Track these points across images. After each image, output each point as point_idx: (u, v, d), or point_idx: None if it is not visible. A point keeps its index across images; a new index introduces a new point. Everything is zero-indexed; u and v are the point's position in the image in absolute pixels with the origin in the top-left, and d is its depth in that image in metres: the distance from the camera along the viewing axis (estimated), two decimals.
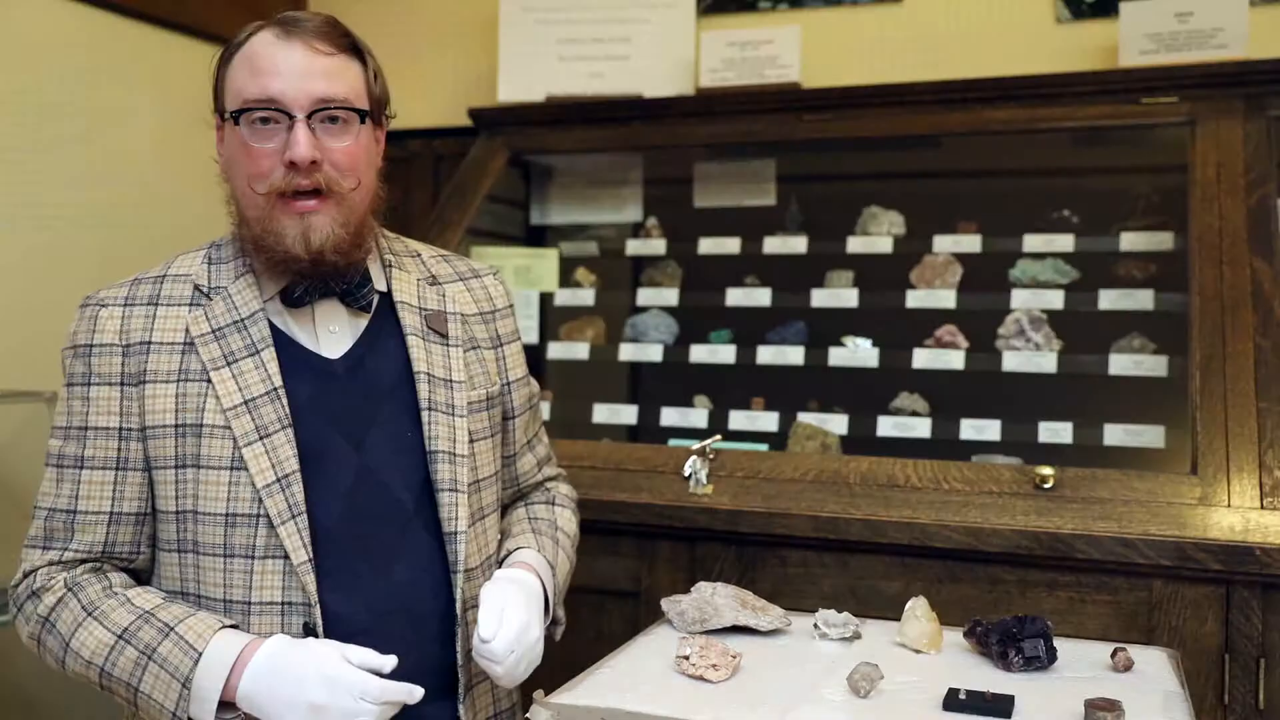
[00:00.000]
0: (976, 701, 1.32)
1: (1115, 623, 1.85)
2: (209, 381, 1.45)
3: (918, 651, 1.55)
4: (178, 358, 1.46)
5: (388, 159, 1.60)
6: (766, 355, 2.60)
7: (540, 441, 1.79)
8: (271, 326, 1.49)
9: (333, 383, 1.50)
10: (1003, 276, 2.53)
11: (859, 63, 2.84)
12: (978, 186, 2.93)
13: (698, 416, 2.62)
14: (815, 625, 1.62)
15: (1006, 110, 2.50)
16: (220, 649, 1.36)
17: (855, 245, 2.63)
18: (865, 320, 2.61)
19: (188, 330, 1.47)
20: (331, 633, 1.42)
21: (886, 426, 2.45)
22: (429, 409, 1.53)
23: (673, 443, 2.46)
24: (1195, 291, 2.10)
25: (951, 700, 1.33)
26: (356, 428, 1.50)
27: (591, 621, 2.16)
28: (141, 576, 1.51)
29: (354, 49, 1.50)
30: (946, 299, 2.51)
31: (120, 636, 1.39)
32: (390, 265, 1.60)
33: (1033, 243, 2.49)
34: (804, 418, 2.50)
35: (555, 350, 2.83)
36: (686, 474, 2.13)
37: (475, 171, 2.84)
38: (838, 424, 2.48)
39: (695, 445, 2.15)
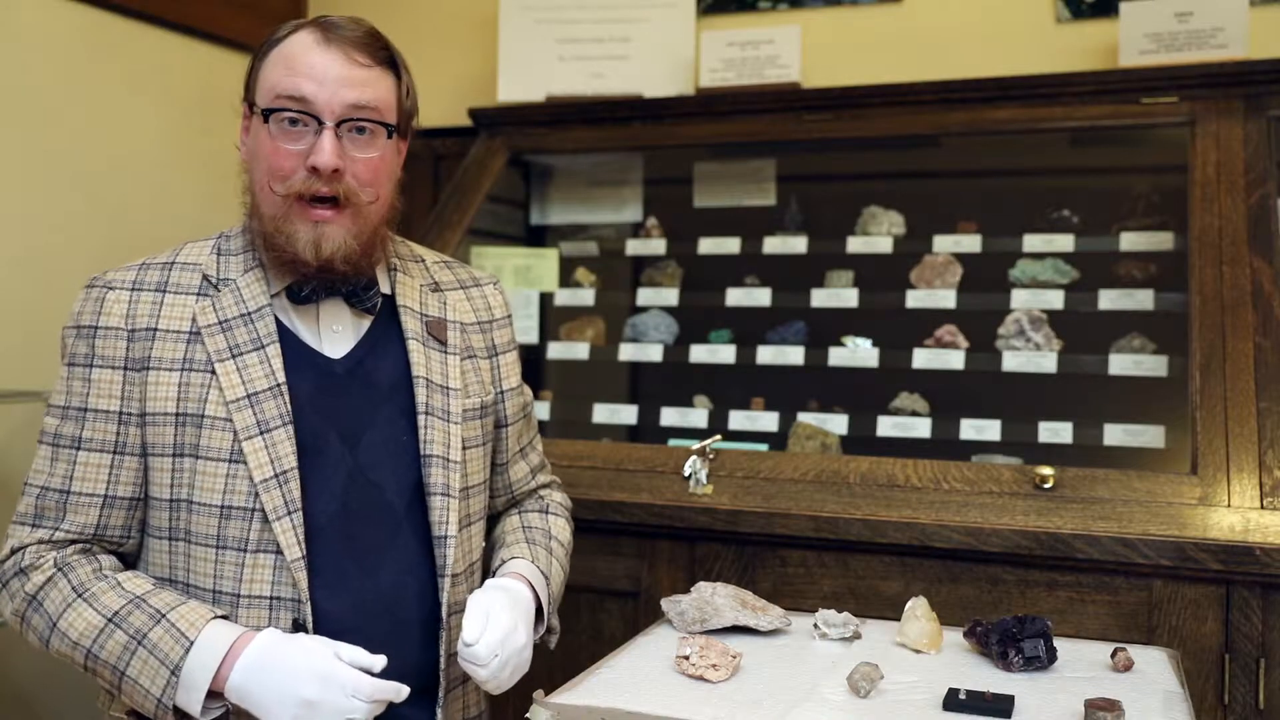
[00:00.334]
0: (976, 701, 1.32)
1: (1115, 623, 1.85)
2: (213, 373, 1.45)
3: (918, 651, 1.55)
4: (183, 346, 1.46)
5: None
6: (766, 355, 2.60)
7: (534, 450, 1.80)
8: (276, 322, 1.50)
9: (333, 382, 1.51)
10: (1003, 276, 2.53)
11: (859, 63, 2.84)
12: (978, 186, 2.93)
13: (698, 416, 2.62)
14: (815, 625, 1.62)
15: (1006, 110, 2.50)
16: (212, 639, 1.36)
17: (855, 245, 2.63)
18: (865, 320, 2.61)
19: (194, 320, 1.47)
20: (319, 630, 1.43)
21: (886, 426, 2.45)
22: (426, 413, 1.54)
23: (673, 443, 2.46)
24: (1195, 291, 2.10)
25: (951, 700, 1.33)
26: (353, 428, 1.51)
27: (591, 621, 2.17)
28: (128, 561, 1.51)
29: (390, 62, 1.51)
30: (946, 299, 2.52)
31: (110, 620, 1.39)
32: (395, 269, 1.61)
33: (1033, 243, 2.49)
34: (804, 418, 2.50)
35: (555, 350, 2.83)
36: (686, 474, 2.13)
37: (475, 171, 2.84)
38: (838, 424, 2.48)
39: (695, 445, 2.15)
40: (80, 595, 1.41)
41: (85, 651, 1.39)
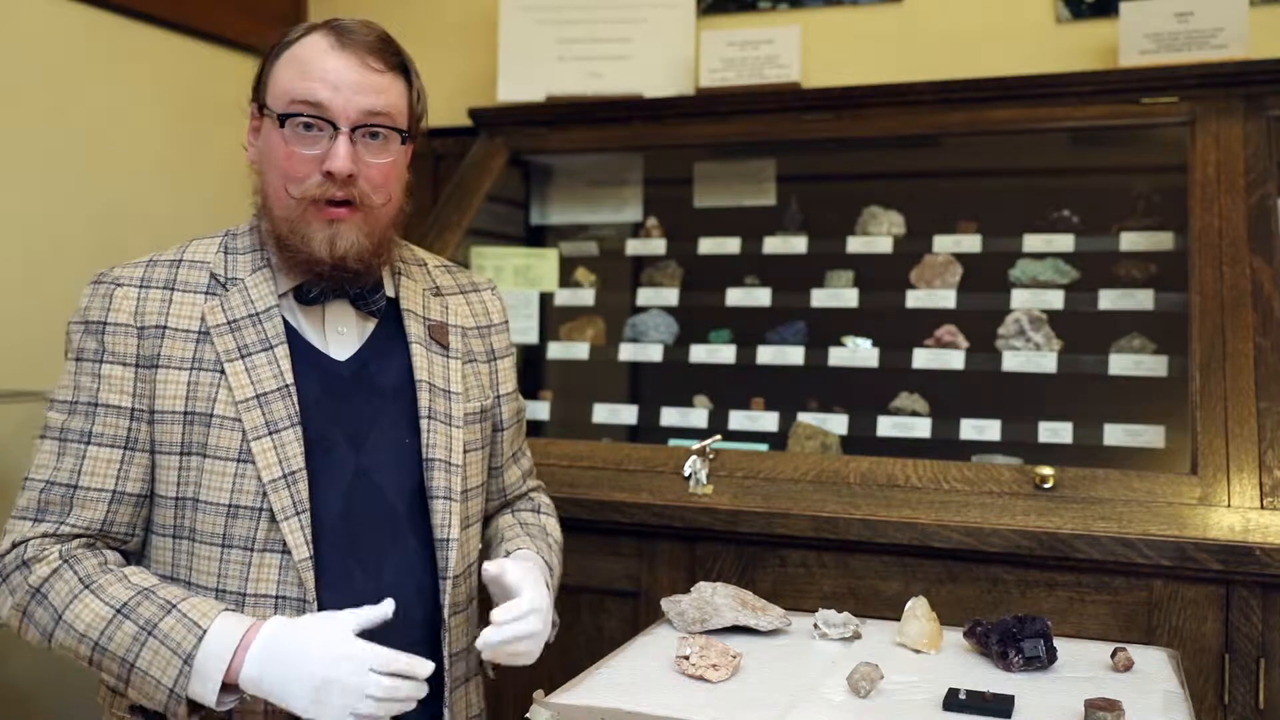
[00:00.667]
0: (976, 701, 1.32)
1: (1115, 623, 1.85)
2: (222, 372, 1.45)
3: (918, 651, 1.55)
4: (192, 345, 1.47)
5: None
6: (766, 355, 2.60)
7: (525, 455, 1.81)
8: (283, 322, 1.51)
9: (338, 384, 1.52)
10: (1003, 276, 2.53)
11: (859, 63, 2.84)
12: (978, 186, 2.93)
13: (698, 416, 2.62)
14: (815, 625, 1.62)
15: (1006, 110, 2.50)
16: (224, 628, 1.36)
17: (855, 245, 2.63)
18: (865, 320, 2.61)
19: (203, 319, 1.48)
20: None
21: (886, 426, 2.45)
22: (429, 417, 1.55)
23: (673, 443, 2.46)
24: (1195, 291, 2.10)
25: (951, 700, 1.33)
26: (357, 430, 1.52)
27: (591, 621, 2.17)
28: (131, 559, 1.50)
29: (402, 67, 1.52)
30: (946, 299, 2.51)
31: (119, 611, 1.37)
32: (399, 273, 1.62)
33: (1033, 243, 2.49)
34: (804, 418, 2.50)
35: (555, 350, 2.83)
36: (686, 474, 2.13)
37: (475, 171, 2.84)
38: (838, 424, 2.48)
39: (695, 445, 2.15)
40: (87, 587, 1.39)
41: (92, 644, 1.37)
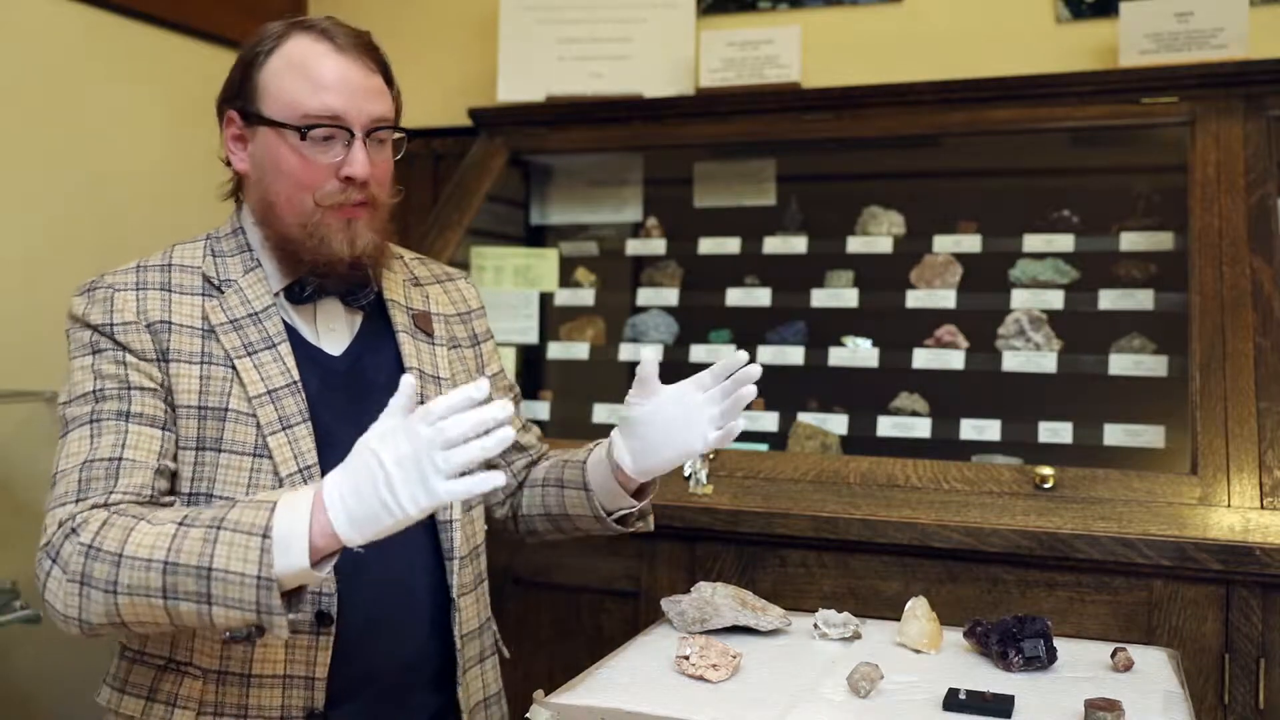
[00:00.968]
0: (976, 701, 1.32)
1: (1115, 623, 1.85)
2: (233, 368, 1.47)
3: (918, 651, 1.55)
4: (199, 341, 1.48)
5: None
6: (766, 355, 2.60)
7: (531, 429, 1.84)
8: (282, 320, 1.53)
9: (336, 378, 1.54)
10: (1003, 276, 2.53)
11: (859, 63, 2.84)
12: (978, 186, 2.92)
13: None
14: (815, 625, 1.62)
15: (1006, 110, 2.50)
16: (291, 496, 1.27)
17: (855, 245, 2.63)
18: (865, 320, 2.61)
19: (206, 318, 1.49)
20: (342, 619, 1.45)
21: (886, 426, 2.44)
22: (422, 403, 1.55)
23: None
24: (1195, 291, 2.10)
25: (951, 700, 1.33)
26: (357, 422, 1.51)
27: (591, 621, 2.17)
28: None
29: (384, 64, 1.55)
30: (946, 299, 2.51)
31: (180, 524, 1.28)
32: (381, 266, 1.63)
33: (1033, 243, 2.49)
34: (804, 418, 2.50)
35: (555, 350, 2.83)
36: (686, 474, 2.13)
37: (475, 171, 2.84)
38: (838, 424, 2.48)
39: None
40: (140, 519, 1.31)
41: (161, 565, 1.25)
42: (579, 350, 2.80)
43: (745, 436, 2.51)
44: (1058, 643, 1.50)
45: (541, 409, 2.77)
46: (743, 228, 2.75)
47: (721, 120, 2.74)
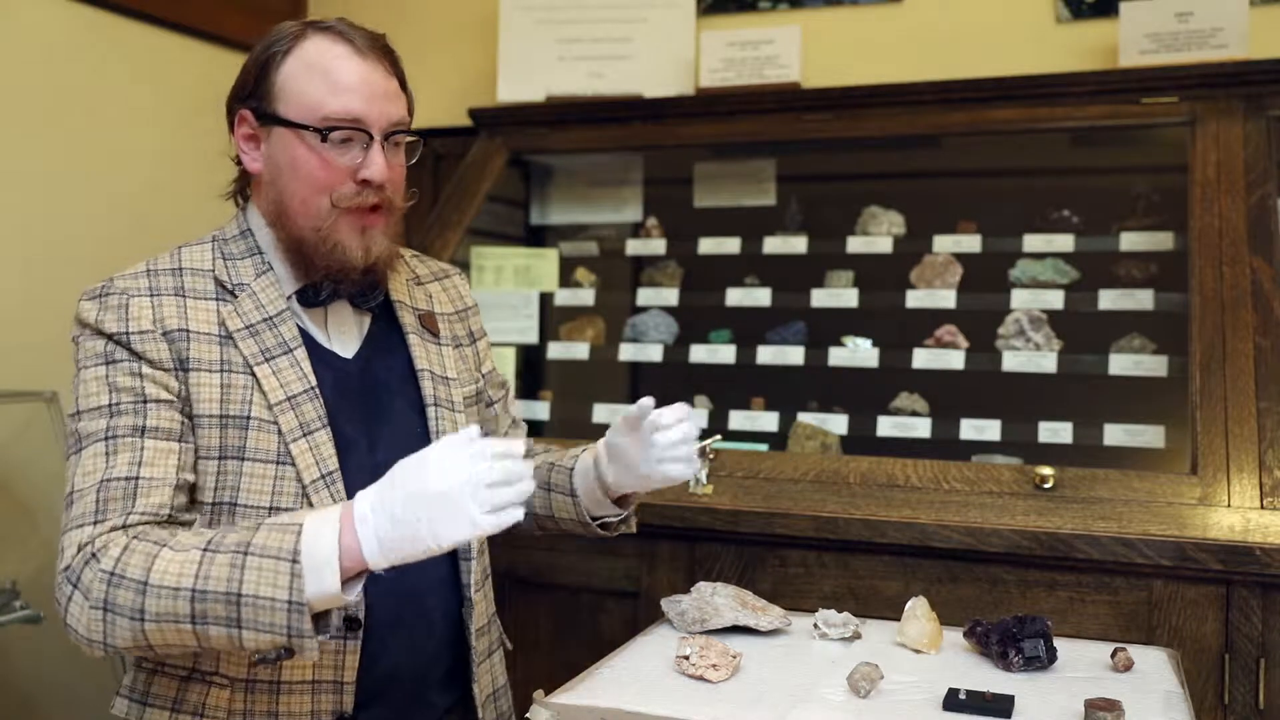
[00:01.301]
0: (976, 701, 1.32)
1: (1115, 623, 1.85)
2: (253, 375, 1.46)
3: (918, 651, 1.55)
4: (218, 348, 1.46)
5: None
6: (766, 355, 2.60)
7: (519, 424, 1.85)
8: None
9: (350, 381, 1.54)
10: (1003, 276, 2.53)
11: (859, 63, 2.84)
12: (978, 186, 2.92)
13: (698, 416, 2.62)
14: (815, 625, 1.62)
15: (1006, 110, 2.50)
16: (319, 517, 1.27)
17: (855, 245, 2.63)
18: (865, 320, 2.61)
19: (223, 324, 1.47)
20: (366, 623, 1.46)
21: (886, 426, 2.44)
22: (434, 405, 1.59)
23: None
24: (1195, 291, 2.10)
25: (951, 700, 1.33)
26: (372, 425, 1.54)
27: (591, 621, 2.16)
28: None
29: (401, 69, 1.55)
30: (946, 299, 2.51)
31: (205, 550, 1.27)
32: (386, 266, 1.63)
33: (1033, 243, 2.49)
34: (804, 418, 2.50)
35: (555, 350, 2.83)
36: None
37: (475, 171, 2.84)
38: (838, 424, 2.48)
39: (695, 445, 2.15)
40: (164, 545, 1.29)
41: (190, 593, 1.24)
42: (579, 350, 2.80)
43: (746, 436, 2.53)
44: (1058, 643, 1.50)
45: (541, 409, 2.77)
46: (743, 228, 2.75)
47: (721, 120, 2.74)
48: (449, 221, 2.73)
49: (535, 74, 2.96)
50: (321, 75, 1.45)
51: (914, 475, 2.05)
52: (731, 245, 2.73)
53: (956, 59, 2.75)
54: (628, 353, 2.76)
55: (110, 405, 1.40)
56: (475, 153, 2.88)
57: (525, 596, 2.20)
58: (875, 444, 2.41)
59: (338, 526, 1.24)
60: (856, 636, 1.61)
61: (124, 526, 1.33)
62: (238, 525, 1.34)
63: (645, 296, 2.85)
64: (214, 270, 1.51)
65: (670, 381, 2.96)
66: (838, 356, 2.55)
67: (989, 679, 1.43)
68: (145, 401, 1.40)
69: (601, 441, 1.63)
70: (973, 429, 2.36)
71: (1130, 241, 2.44)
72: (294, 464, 1.43)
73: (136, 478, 1.36)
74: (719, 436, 2.18)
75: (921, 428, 2.42)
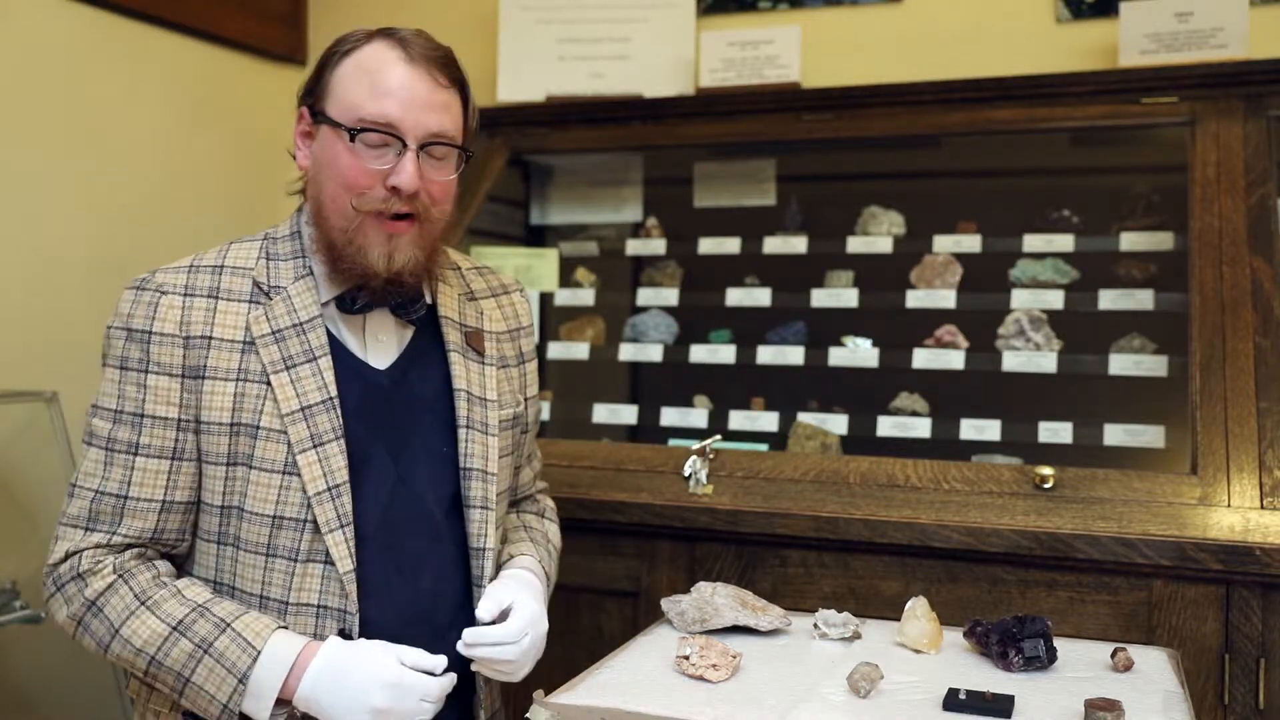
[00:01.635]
0: (976, 701, 1.32)
1: (1115, 623, 1.85)
2: (268, 384, 1.46)
3: (918, 651, 1.55)
4: (237, 356, 1.47)
5: None
6: (766, 355, 2.60)
7: (536, 457, 1.84)
8: (326, 332, 1.51)
9: (378, 393, 1.53)
10: (1003, 276, 2.53)
11: (859, 63, 2.84)
12: (978, 186, 2.93)
13: (698, 416, 2.62)
14: (815, 625, 1.62)
15: (1006, 110, 2.49)
16: (278, 649, 1.39)
17: (855, 245, 2.63)
18: (865, 320, 2.61)
19: (248, 329, 1.48)
20: (365, 637, 1.45)
21: (886, 426, 2.44)
22: (466, 426, 1.57)
23: (673, 443, 2.45)
24: (1195, 291, 2.10)
25: (951, 700, 1.33)
26: (396, 439, 1.53)
27: (591, 621, 2.17)
28: (177, 562, 1.52)
29: (461, 83, 1.53)
30: (946, 299, 2.51)
31: (174, 628, 1.40)
32: (436, 278, 1.62)
33: (1033, 243, 2.49)
34: (804, 418, 2.50)
35: (555, 350, 2.83)
36: (686, 474, 2.13)
37: (475, 171, 2.84)
38: (838, 424, 2.48)
39: (695, 445, 2.15)
40: (143, 603, 1.42)
41: (149, 659, 1.41)
42: (579, 350, 2.80)
43: (745, 436, 2.53)
44: (1058, 643, 1.50)
45: (542, 409, 2.77)
46: (743, 228, 2.75)
47: (721, 120, 2.74)
48: (449, 221, 2.72)
49: (535, 74, 2.96)
50: (368, 78, 1.45)
51: (914, 475, 2.05)
52: (731, 245, 2.73)
53: (956, 59, 2.75)
54: (628, 353, 2.76)
55: (115, 411, 1.47)
56: (475, 152, 2.88)
57: None
58: (875, 444, 2.41)
59: (288, 670, 1.39)
60: (856, 636, 1.61)
61: (109, 545, 1.45)
62: (214, 605, 1.43)
63: (645, 296, 2.85)
64: (254, 271, 1.52)
65: (670, 381, 2.96)
66: (838, 356, 2.55)
67: (989, 679, 1.43)
68: (143, 416, 1.46)
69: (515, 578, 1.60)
70: (973, 429, 2.36)
71: (1130, 241, 2.44)
72: (299, 475, 1.44)
73: (125, 496, 1.45)
74: (719, 436, 2.19)
75: (921, 428, 2.42)
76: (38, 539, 2.41)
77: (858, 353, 2.55)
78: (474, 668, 1.53)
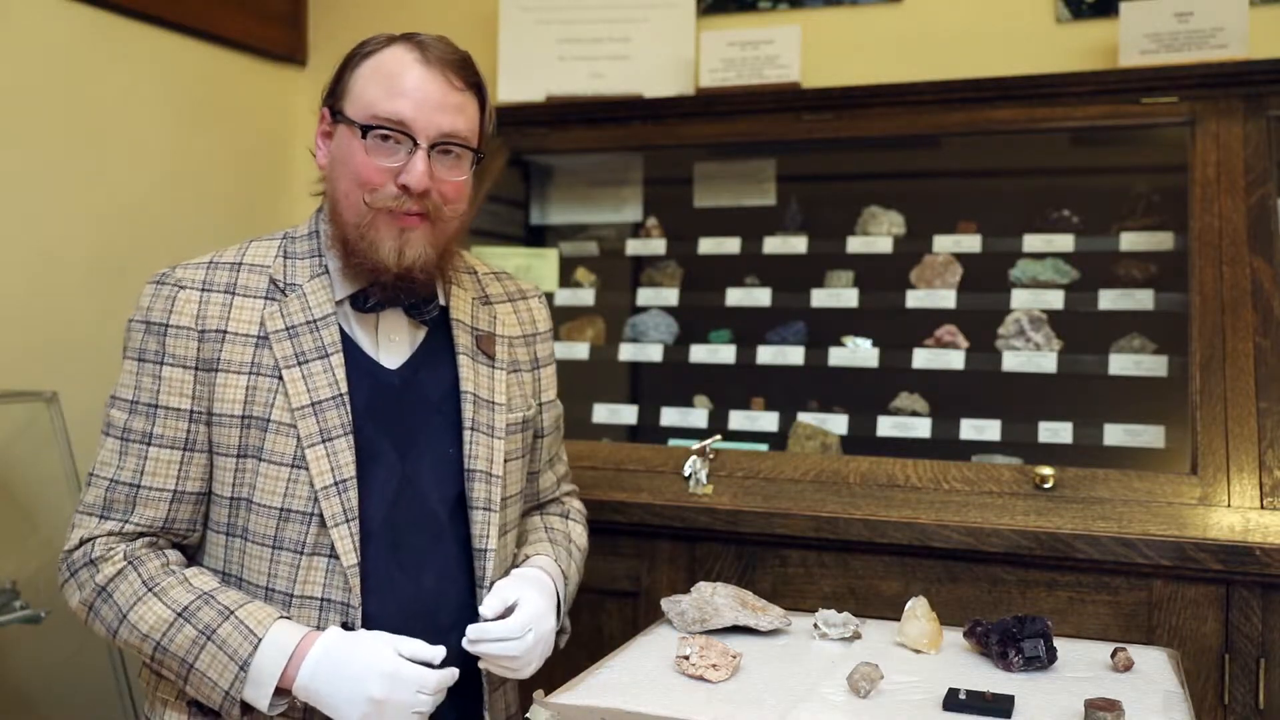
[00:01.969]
0: (976, 701, 1.32)
1: (1115, 623, 1.85)
2: (280, 379, 1.48)
3: (918, 651, 1.55)
4: (251, 350, 1.50)
5: None
6: (766, 355, 2.60)
7: (560, 460, 1.84)
8: (339, 329, 1.53)
9: (388, 392, 1.55)
10: (1003, 276, 2.53)
11: (859, 63, 2.84)
12: (978, 186, 2.92)
13: (698, 416, 2.62)
14: (815, 625, 1.62)
15: (1006, 110, 2.49)
16: (279, 637, 1.41)
17: (855, 245, 2.63)
18: (865, 320, 2.61)
19: (263, 324, 1.51)
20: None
21: (886, 426, 2.44)
22: (472, 429, 1.59)
23: (673, 443, 2.45)
24: (1195, 291, 2.10)
25: (951, 700, 1.33)
26: (404, 438, 1.55)
27: (591, 621, 2.17)
28: (189, 552, 1.55)
29: (478, 86, 1.55)
30: (946, 299, 2.51)
31: (180, 614, 1.44)
32: (451, 281, 1.64)
33: (1033, 243, 2.49)
34: (804, 418, 2.50)
35: (555, 350, 2.83)
36: (686, 474, 2.13)
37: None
38: (838, 424, 2.48)
39: (695, 445, 2.15)
40: (150, 589, 1.45)
41: (155, 644, 1.44)
42: (579, 350, 2.80)
43: (745, 436, 2.53)
44: (1058, 643, 1.50)
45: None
46: (743, 228, 2.75)
47: (721, 120, 2.74)
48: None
49: (535, 74, 2.96)
50: (385, 79, 1.49)
51: (914, 475, 2.05)
52: (731, 245, 2.73)
53: (956, 59, 2.75)
54: (628, 353, 2.76)
55: (131, 402, 1.51)
56: None
57: None
58: (875, 444, 2.41)
59: (287, 659, 1.41)
60: (856, 636, 1.61)
61: (121, 534, 1.49)
62: (219, 594, 1.45)
63: (645, 296, 2.85)
64: (271, 269, 1.55)
65: (670, 381, 2.96)
66: (838, 356, 2.55)
67: (989, 679, 1.43)
68: (157, 408, 1.49)
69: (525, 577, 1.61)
70: (973, 429, 2.36)
71: (1130, 241, 2.44)
72: (308, 469, 1.46)
73: (138, 485, 1.49)
74: (719, 436, 2.19)
75: (921, 428, 2.42)
76: (38, 539, 2.41)
77: (858, 353, 2.55)
78: (481, 665, 1.53)
